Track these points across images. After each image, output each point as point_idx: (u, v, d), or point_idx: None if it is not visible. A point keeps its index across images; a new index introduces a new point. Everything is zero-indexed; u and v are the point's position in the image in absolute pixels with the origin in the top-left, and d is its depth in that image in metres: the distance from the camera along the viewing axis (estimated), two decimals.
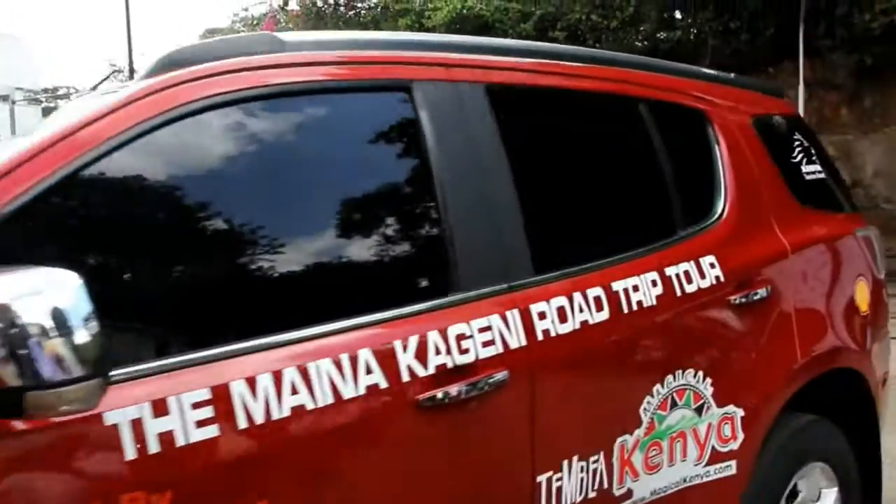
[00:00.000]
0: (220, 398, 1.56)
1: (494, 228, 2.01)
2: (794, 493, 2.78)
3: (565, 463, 2.06)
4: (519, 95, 2.27)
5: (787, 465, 2.70)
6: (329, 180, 1.88)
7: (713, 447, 2.43)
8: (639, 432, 2.24)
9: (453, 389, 1.82)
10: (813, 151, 3.13)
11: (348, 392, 1.70)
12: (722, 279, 2.47)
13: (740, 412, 2.49)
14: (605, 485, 2.16)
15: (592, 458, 2.12)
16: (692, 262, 2.42)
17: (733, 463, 2.48)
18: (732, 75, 3.09)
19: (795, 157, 3.03)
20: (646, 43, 12.54)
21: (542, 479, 2.01)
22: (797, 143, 3.08)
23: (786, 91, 12.09)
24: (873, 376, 3.01)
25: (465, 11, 12.41)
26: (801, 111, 11.33)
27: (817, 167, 3.11)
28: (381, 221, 1.92)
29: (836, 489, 2.89)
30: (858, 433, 3.04)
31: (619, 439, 2.19)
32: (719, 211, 2.62)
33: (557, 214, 2.27)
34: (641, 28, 12.53)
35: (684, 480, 2.37)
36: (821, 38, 11.09)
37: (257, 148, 1.82)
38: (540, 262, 2.09)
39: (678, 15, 12.45)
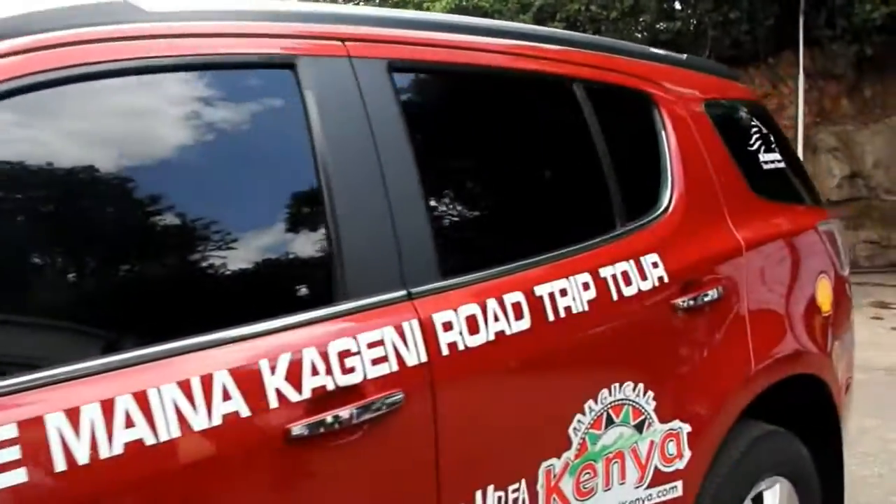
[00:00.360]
0: (31, 435, 1.28)
1: (392, 227, 1.74)
2: None
3: (479, 494, 1.80)
4: (429, 75, 2.01)
5: (742, 480, 2.45)
6: (186, 172, 1.60)
7: (656, 467, 2.17)
8: (568, 455, 1.98)
9: (336, 415, 1.55)
10: (772, 139, 2.88)
11: (200, 423, 1.42)
12: (666, 280, 2.21)
13: (687, 427, 2.23)
14: None
15: (512, 487, 1.86)
16: (632, 262, 2.16)
17: (679, 483, 2.23)
18: (685, 56, 2.83)
19: (753, 145, 2.78)
20: (645, 34, 12.58)
21: None
22: (755, 129, 2.83)
23: (786, 81, 12.16)
24: (835, 382, 2.76)
25: (464, 2, 12.14)
26: (800, 102, 11.25)
27: (776, 156, 2.86)
28: (250, 218, 1.64)
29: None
30: (820, 443, 2.80)
31: (545, 464, 1.93)
32: (665, 204, 2.36)
33: (471, 210, 2.01)
34: (641, 19, 12.51)
35: None
36: (821, 28, 11.10)
37: (94, 137, 1.53)
38: (448, 265, 1.82)
39: (678, 6, 12.49)
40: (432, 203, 1.85)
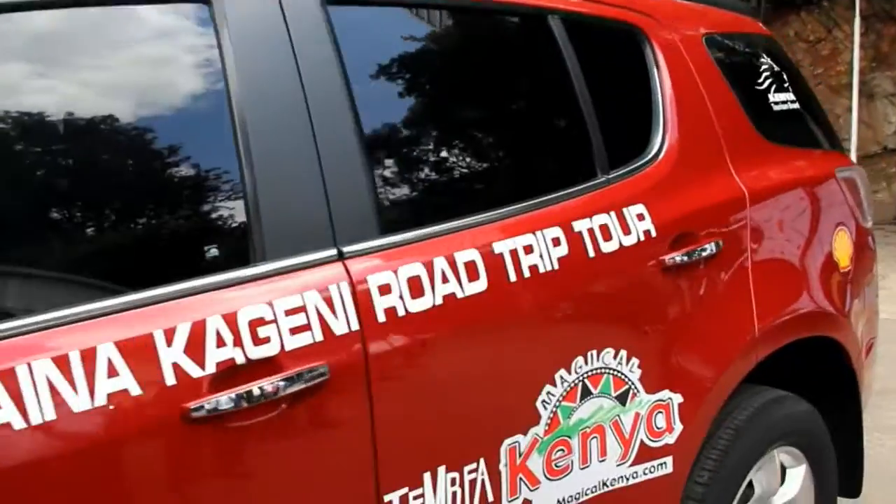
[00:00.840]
0: None
1: (321, 178, 1.53)
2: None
3: (427, 476, 1.60)
4: (374, 7, 1.78)
5: (744, 452, 2.22)
6: (82, 116, 1.39)
7: (642, 442, 1.96)
8: (537, 430, 1.77)
9: (246, 392, 1.36)
10: (785, 77, 2.61)
11: (81, 404, 1.24)
12: (654, 234, 1.98)
13: (678, 398, 2.01)
14: (490, 497, 1.71)
15: (469, 468, 1.66)
16: (613, 214, 1.92)
17: (668, 460, 2.01)
18: None
19: (762, 84, 2.51)
20: None
21: (392, 497, 1.56)
22: (765, 66, 2.56)
23: (841, 25, 11.79)
24: (854, 344, 2.51)
25: None
26: (856, 46, 10.78)
27: (789, 96, 2.59)
28: (151, 168, 1.44)
29: (805, 470, 2.42)
30: (837, 411, 2.56)
31: (508, 441, 1.72)
32: (655, 150, 2.12)
33: (421, 158, 1.77)
34: None
35: (603, 484, 1.91)
36: None
37: None
38: (389, 220, 1.62)
39: None
40: (372, 150, 1.64)
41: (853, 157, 11.09)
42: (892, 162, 11.53)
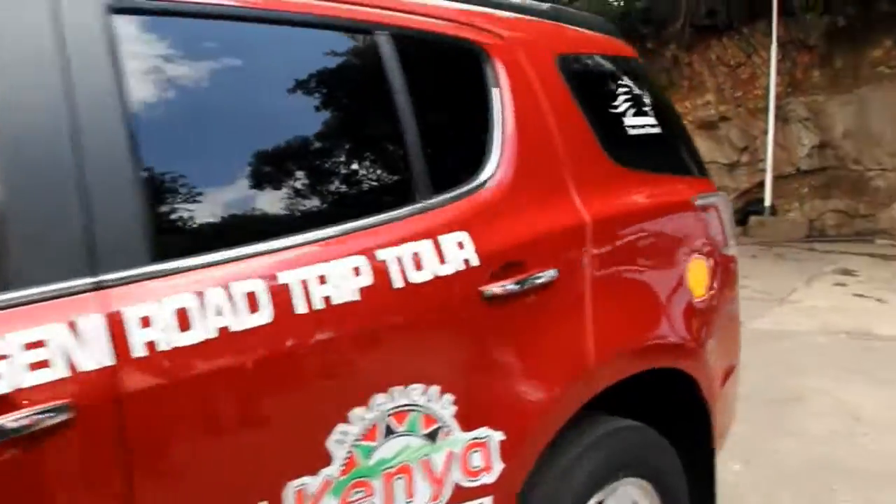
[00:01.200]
0: None
1: (83, 198, 1.42)
2: None
3: None
4: (168, 18, 1.66)
5: (580, 485, 2.14)
6: None
7: (456, 483, 1.87)
8: (330, 471, 1.67)
9: None
10: (646, 101, 2.55)
11: None
12: (475, 263, 1.89)
13: (498, 435, 1.93)
14: None
15: None
16: (428, 242, 1.83)
17: (488, 500, 1.92)
18: (546, 6, 2.47)
19: (617, 107, 2.45)
20: (620, 3, 12.44)
21: None
22: (623, 90, 2.49)
23: (759, 51, 12.51)
24: (705, 375, 2.45)
25: None
26: (773, 72, 11.22)
27: (649, 119, 2.53)
28: None
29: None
30: (691, 441, 2.51)
31: (294, 483, 1.62)
32: (487, 174, 2.03)
33: (204, 178, 1.64)
34: None
35: None
36: None
37: None
38: (162, 247, 1.50)
39: None
40: (147, 170, 1.52)
41: (768, 177, 11.47)
42: (805, 183, 11.89)
